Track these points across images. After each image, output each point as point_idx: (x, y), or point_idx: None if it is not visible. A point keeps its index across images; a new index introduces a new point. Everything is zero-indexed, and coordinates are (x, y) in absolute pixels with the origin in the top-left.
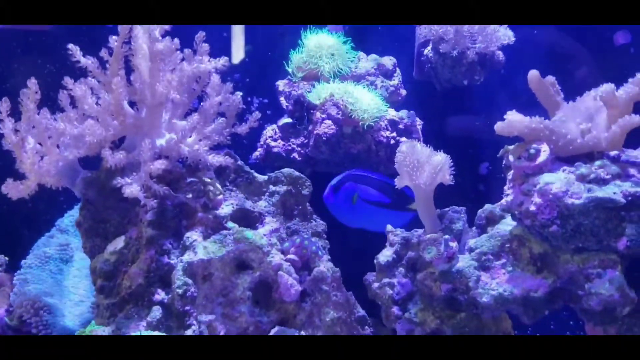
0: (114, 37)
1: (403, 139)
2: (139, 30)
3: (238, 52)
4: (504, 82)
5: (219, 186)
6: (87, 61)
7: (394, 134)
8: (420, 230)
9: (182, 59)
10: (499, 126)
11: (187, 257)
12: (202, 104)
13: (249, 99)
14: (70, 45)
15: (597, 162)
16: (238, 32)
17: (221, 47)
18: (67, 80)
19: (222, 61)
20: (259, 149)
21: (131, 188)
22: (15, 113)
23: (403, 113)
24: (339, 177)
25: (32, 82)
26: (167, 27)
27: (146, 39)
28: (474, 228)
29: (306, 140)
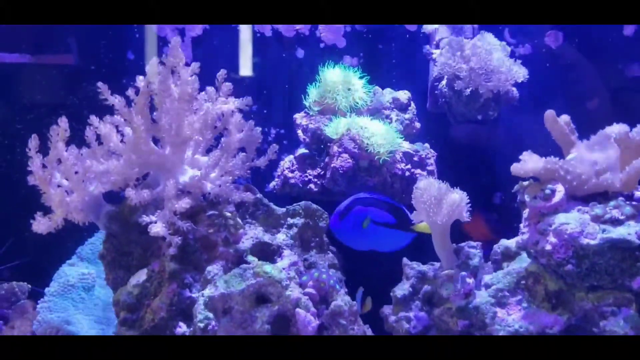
0: (140, 77)
1: (418, 171)
2: (166, 71)
3: (246, 65)
4: (518, 117)
5: (239, 220)
6: (115, 100)
7: (409, 166)
8: (437, 264)
9: (205, 99)
10: (515, 167)
11: (208, 291)
12: (223, 139)
13: (266, 129)
14: (100, 84)
15: (612, 203)
16: (246, 43)
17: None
18: (93, 119)
19: (245, 101)
20: (276, 179)
21: (157, 227)
22: (40, 141)
23: (418, 146)
24: (346, 202)
25: (63, 121)
26: (196, 69)
27: (172, 79)
28: (489, 263)
29: (322, 172)
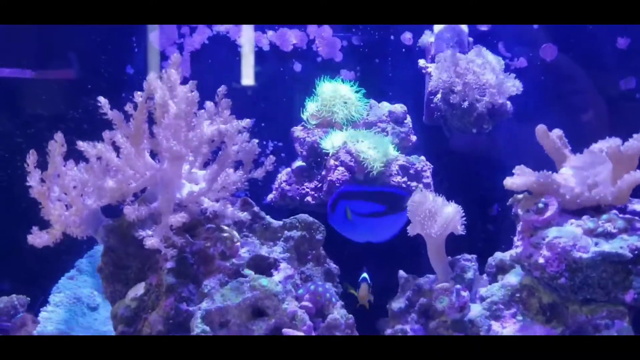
0: (138, 92)
1: (414, 183)
2: (164, 88)
3: (248, 74)
4: (513, 129)
5: (236, 234)
6: (114, 114)
7: (405, 179)
8: (432, 277)
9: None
10: (508, 182)
11: (205, 304)
12: (220, 153)
13: (264, 142)
14: (100, 98)
15: (604, 216)
16: (247, 52)
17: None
18: (80, 144)
19: (244, 123)
20: (274, 192)
21: (152, 240)
22: (39, 154)
23: (414, 158)
24: (333, 196)
25: (59, 136)
26: (193, 87)
27: (169, 95)
28: (484, 275)
29: (320, 185)
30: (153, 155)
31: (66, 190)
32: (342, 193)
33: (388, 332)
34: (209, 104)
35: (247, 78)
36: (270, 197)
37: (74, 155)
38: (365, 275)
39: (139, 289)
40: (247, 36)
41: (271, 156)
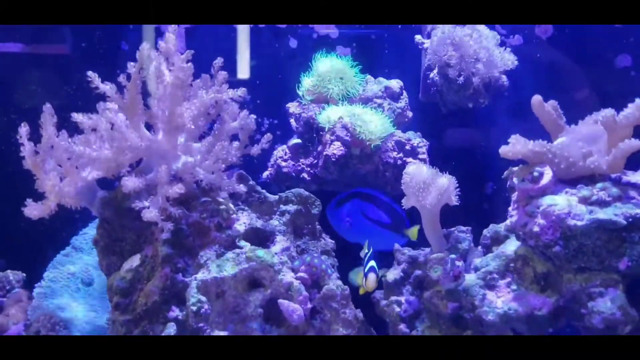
0: (132, 63)
1: (410, 159)
2: (159, 57)
3: (243, 68)
4: (508, 104)
5: (232, 206)
6: (106, 87)
7: (401, 155)
8: (427, 249)
9: (200, 86)
10: (503, 150)
11: (201, 275)
12: (216, 126)
13: (259, 119)
14: (90, 73)
15: (599, 185)
16: (243, 47)
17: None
18: (75, 115)
19: (239, 92)
20: (270, 169)
21: (150, 213)
22: (34, 132)
23: (410, 134)
24: (347, 192)
25: (48, 107)
26: (189, 56)
27: (165, 65)
28: (479, 247)
29: (315, 161)
30: (148, 128)
31: (60, 161)
32: (358, 192)
33: (383, 303)
34: (205, 77)
35: (243, 55)
36: (266, 174)
37: (70, 130)
38: (373, 264)
39: (135, 261)
40: None
41: (268, 134)
